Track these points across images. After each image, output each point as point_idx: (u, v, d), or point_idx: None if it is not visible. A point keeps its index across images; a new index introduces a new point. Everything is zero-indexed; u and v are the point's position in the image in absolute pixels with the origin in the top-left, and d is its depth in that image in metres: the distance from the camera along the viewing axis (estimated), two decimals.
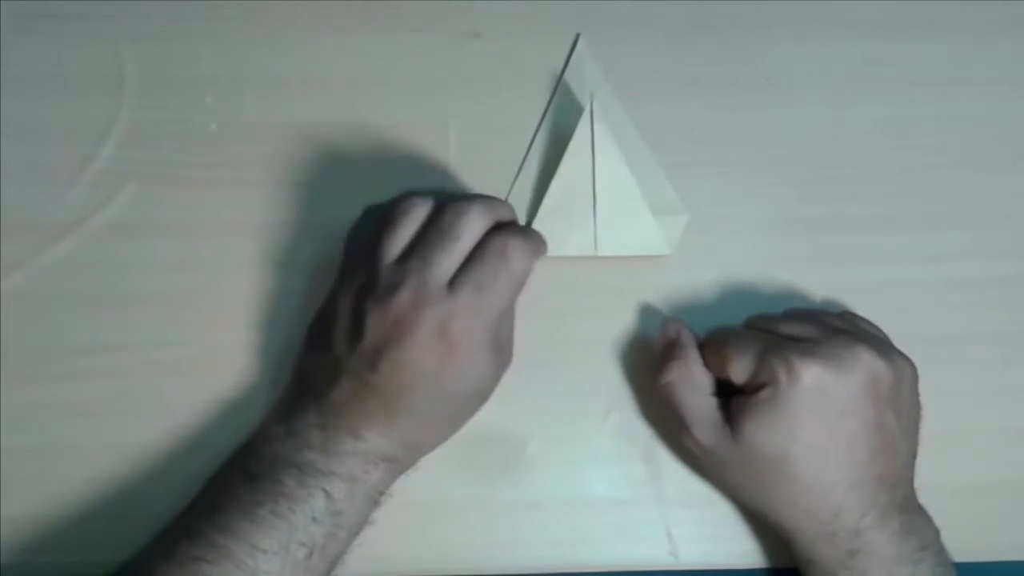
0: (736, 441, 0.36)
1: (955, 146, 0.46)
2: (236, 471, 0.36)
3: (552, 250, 0.41)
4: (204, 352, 0.42)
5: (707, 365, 0.38)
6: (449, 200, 0.37)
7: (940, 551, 0.36)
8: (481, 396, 0.38)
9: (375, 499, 0.36)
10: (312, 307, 0.42)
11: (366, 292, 0.35)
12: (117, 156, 0.44)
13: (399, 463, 0.37)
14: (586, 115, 0.42)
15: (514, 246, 0.36)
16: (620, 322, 0.43)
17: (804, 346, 0.36)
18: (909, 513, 0.36)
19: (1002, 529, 0.42)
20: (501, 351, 0.37)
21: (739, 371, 0.37)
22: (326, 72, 0.46)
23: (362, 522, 0.36)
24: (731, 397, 0.37)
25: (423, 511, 0.40)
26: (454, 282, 0.35)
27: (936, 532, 0.37)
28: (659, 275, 0.44)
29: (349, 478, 0.35)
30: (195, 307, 0.43)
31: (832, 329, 0.37)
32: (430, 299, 0.34)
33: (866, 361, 0.35)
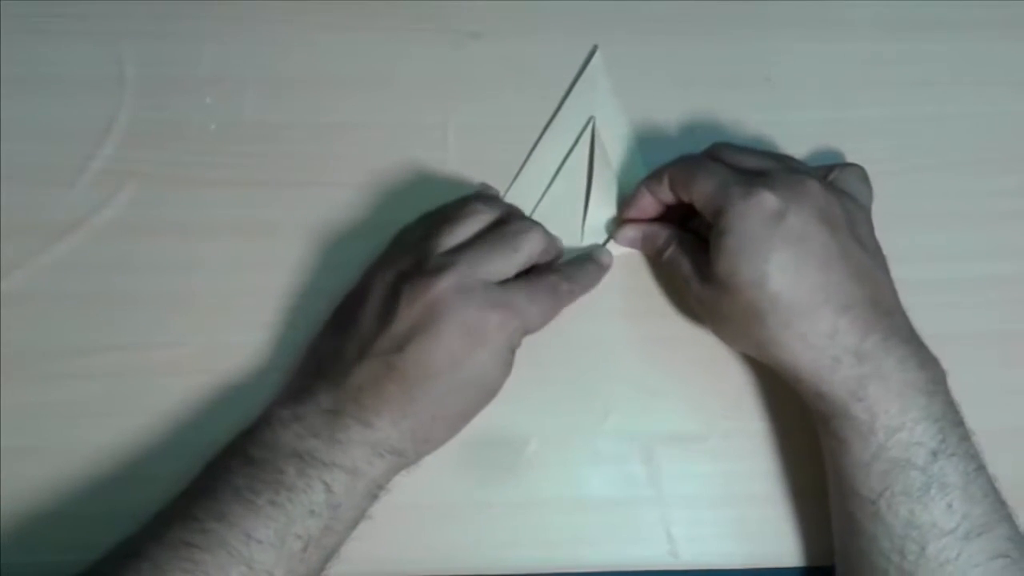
0: (716, 281, 0.37)
1: (954, 146, 0.46)
2: (237, 456, 0.35)
3: None
4: (204, 352, 0.42)
5: (673, 190, 0.39)
6: (514, 214, 0.39)
7: (948, 389, 0.36)
8: (491, 394, 0.37)
9: (374, 493, 0.36)
10: (313, 307, 0.42)
11: (408, 274, 0.36)
12: (117, 156, 0.44)
13: (405, 456, 0.36)
14: (587, 133, 0.44)
15: (566, 289, 0.39)
16: (620, 322, 0.43)
17: (761, 178, 0.37)
18: (914, 343, 0.36)
19: None
20: (511, 364, 0.37)
21: (701, 196, 0.37)
22: (326, 72, 0.46)
23: (359, 516, 0.36)
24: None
25: (423, 511, 0.40)
26: (506, 284, 0.36)
27: (943, 371, 0.36)
28: (659, 275, 0.44)
29: (351, 470, 0.35)
30: (195, 307, 0.43)
31: (787, 167, 0.38)
32: (475, 288, 0.35)
33: (815, 192, 0.36)
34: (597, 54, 0.46)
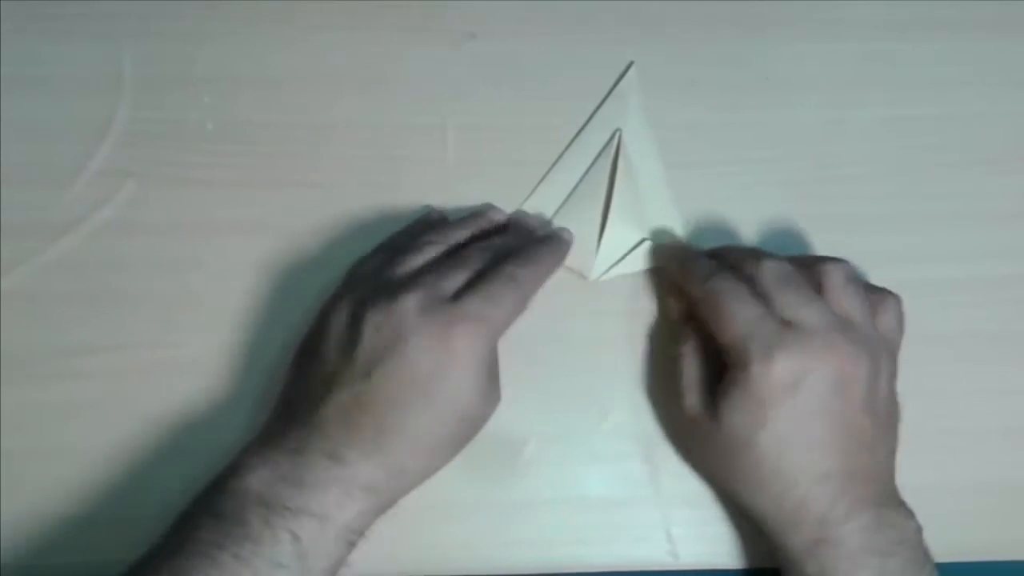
0: (714, 417, 0.36)
1: (955, 146, 0.46)
2: (202, 508, 0.34)
3: None
4: (203, 352, 0.42)
5: (699, 310, 0.38)
6: (467, 241, 0.39)
7: (917, 546, 0.36)
8: (470, 420, 0.36)
9: (350, 540, 0.34)
10: (312, 306, 0.42)
11: (367, 299, 0.35)
12: (116, 156, 0.44)
13: (379, 495, 0.35)
14: (611, 146, 0.44)
15: (527, 276, 0.37)
16: (620, 323, 0.43)
17: (788, 336, 0.35)
18: (885, 507, 0.36)
19: (1001, 529, 0.42)
20: (494, 380, 0.36)
21: (722, 340, 0.36)
22: (324, 72, 0.46)
23: (334, 566, 0.34)
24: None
25: (423, 511, 0.40)
26: (460, 294, 0.35)
27: (917, 528, 0.36)
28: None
29: (320, 516, 0.33)
30: (194, 307, 0.43)
31: (829, 319, 0.36)
32: (436, 306, 0.34)
33: (841, 364, 0.35)
34: (632, 69, 0.46)
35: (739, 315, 0.36)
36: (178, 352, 0.42)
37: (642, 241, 0.43)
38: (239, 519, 0.33)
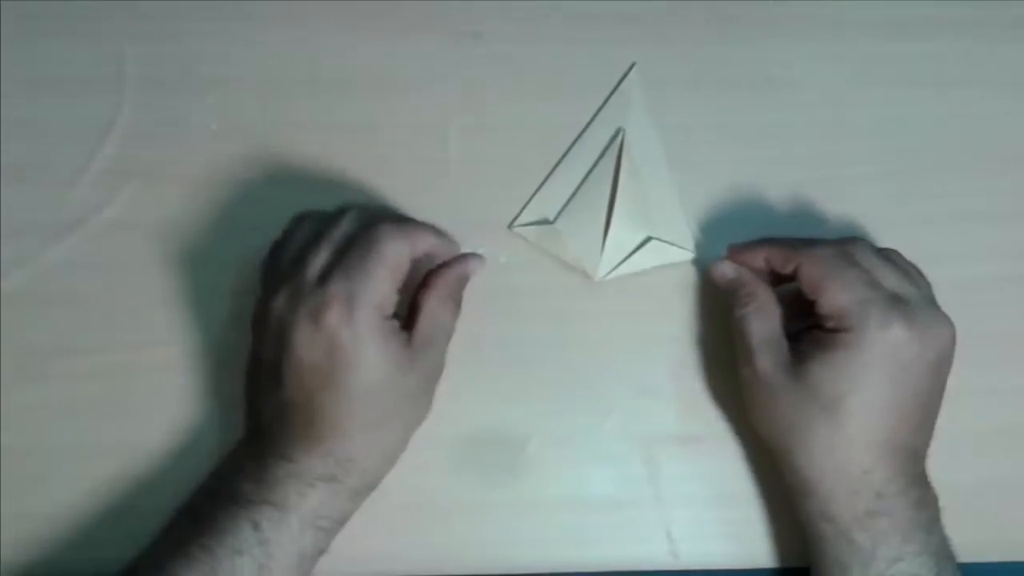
0: (796, 375, 0.36)
1: (955, 146, 0.46)
2: (182, 511, 0.36)
3: (558, 251, 0.43)
4: (204, 352, 0.42)
5: (798, 279, 0.38)
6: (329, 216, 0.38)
7: (943, 526, 0.37)
8: (391, 391, 0.35)
9: (319, 525, 0.35)
10: None
11: (256, 307, 0.37)
12: (117, 156, 0.44)
13: (339, 482, 0.35)
14: (615, 146, 0.44)
15: (382, 231, 0.36)
16: (619, 322, 0.43)
17: (903, 307, 0.36)
18: (925, 486, 0.37)
19: (1002, 529, 0.42)
20: (398, 343, 0.35)
21: (831, 305, 0.36)
22: (326, 72, 0.46)
23: (305, 551, 0.35)
24: (804, 331, 0.38)
25: (423, 511, 0.40)
26: (323, 274, 0.35)
27: (940, 509, 0.37)
28: (660, 275, 0.44)
29: (280, 505, 0.34)
30: (195, 307, 0.43)
31: (926, 296, 0.38)
32: (300, 297, 0.34)
33: (945, 338, 0.36)
34: (634, 70, 0.46)
35: (855, 279, 0.36)
36: (179, 352, 0.42)
37: (647, 240, 0.43)
38: (210, 516, 0.35)
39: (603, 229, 0.43)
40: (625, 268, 0.43)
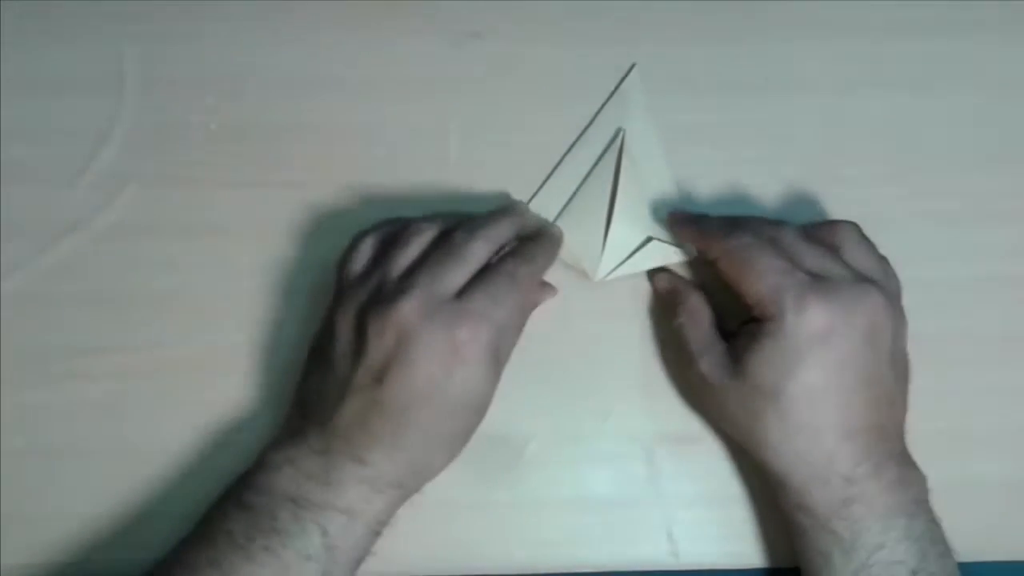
0: (737, 371, 0.36)
1: (955, 146, 0.46)
2: (232, 501, 0.35)
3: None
4: (205, 353, 0.42)
5: (721, 269, 0.38)
6: (456, 225, 0.38)
7: (930, 507, 0.37)
8: (481, 411, 0.37)
9: (376, 531, 0.36)
10: (313, 306, 0.42)
11: (368, 306, 0.35)
12: (118, 157, 0.44)
13: (404, 488, 0.36)
14: (615, 146, 0.44)
15: (526, 272, 0.38)
16: (620, 322, 0.43)
17: (819, 286, 0.35)
18: (903, 465, 0.36)
19: (1002, 529, 0.42)
20: (500, 368, 0.37)
21: (750, 295, 0.36)
22: (326, 72, 0.46)
23: (361, 556, 0.35)
24: (740, 327, 0.38)
25: (423, 511, 0.40)
26: (463, 293, 0.36)
27: (927, 489, 0.37)
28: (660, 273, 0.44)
29: (347, 511, 0.34)
30: (196, 307, 0.43)
31: (853, 273, 0.37)
32: (438, 308, 0.34)
33: (874, 307, 0.35)
34: (634, 71, 0.46)
35: (769, 267, 0.36)
36: (179, 353, 0.42)
37: (648, 241, 0.43)
38: (269, 512, 0.34)
39: (603, 230, 0.43)
40: (625, 269, 0.43)
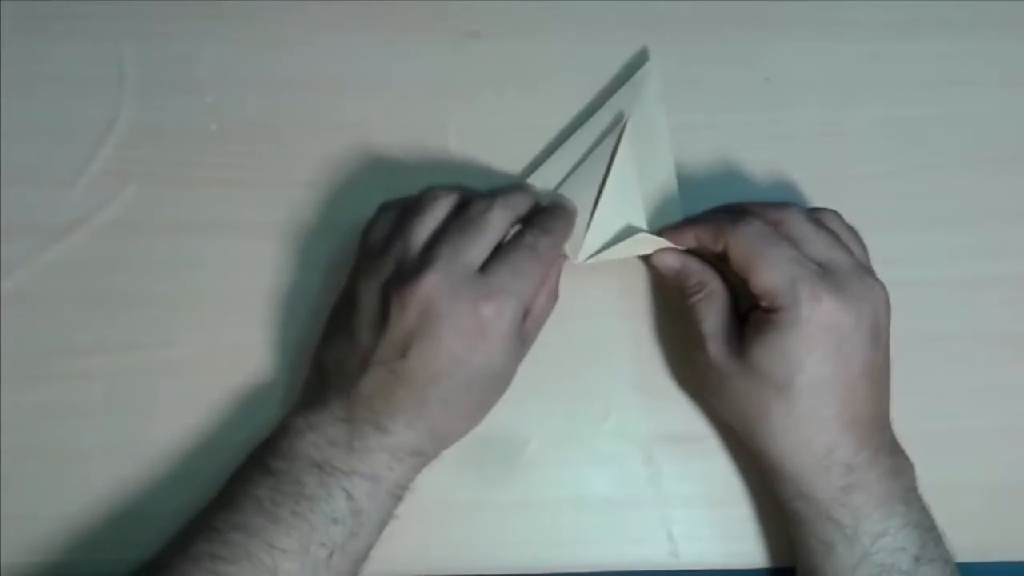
0: (745, 360, 0.36)
1: (955, 146, 0.46)
2: (256, 467, 0.35)
3: None
4: (205, 352, 0.42)
5: (730, 259, 0.38)
6: (474, 195, 0.38)
7: (920, 495, 0.37)
8: (504, 382, 0.37)
9: (398, 495, 0.36)
10: (313, 306, 0.42)
11: (391, 279, 0.36)
12: (117, 156, 0.44)
13: (424, 455, 0.36)
14: (615, 131, 0.43)
15: (547, 244, 0.38)
16: (620, 322, 0.43)
17: (831, 280, 0.36)
18: (895, 455, 0.37)
19: (1002, 529, 0.42)
20: (524, 341, 0.37)
21: (761, 285, 0.36)
22: (326, 72, 0.46)
23: (385, 519, 0.36)
24: (750, 311, 0.38)
25: (423, 511, 0.40)
26: (486, 267, 0.36)
27: (915, 476, 0.37)
28: (660, 275, 0.44)
29: (371, 476, 0.35)
30: (196, 307, 0.43)
31: (858, 264, 0.37)
32: (462, 282, 0.35)
33: (879, 303, 0.36)
34: (649, 61, 0.46)
35: (779, 258, 0.36)
36: (179, 352, 0.42)
37: (635, 230, 0.42)
38: (294, 477, 0.34)
39: (589, 212, 0.42)
40: (607, 255, 0.41)
